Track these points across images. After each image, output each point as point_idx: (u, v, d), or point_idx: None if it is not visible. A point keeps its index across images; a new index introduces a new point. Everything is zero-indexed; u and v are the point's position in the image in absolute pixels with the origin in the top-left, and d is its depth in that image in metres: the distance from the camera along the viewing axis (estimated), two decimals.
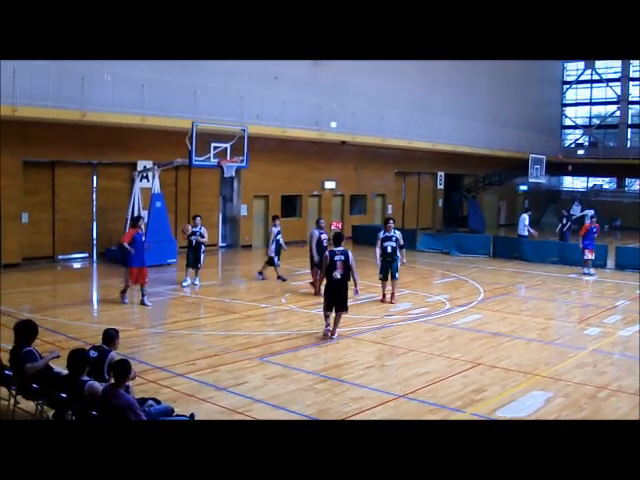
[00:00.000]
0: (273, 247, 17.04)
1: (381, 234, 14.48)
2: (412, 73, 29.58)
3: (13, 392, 7.00)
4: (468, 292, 16.43)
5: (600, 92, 46.20)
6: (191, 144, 17.72)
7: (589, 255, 19.64)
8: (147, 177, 20.20)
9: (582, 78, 46.89)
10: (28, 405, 7.03)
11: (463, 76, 33.16)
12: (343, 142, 27.00)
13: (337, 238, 11.89)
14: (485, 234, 29.04)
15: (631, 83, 44.03)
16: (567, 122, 47.99)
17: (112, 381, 6.26)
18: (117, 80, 18.81)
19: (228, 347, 10.66)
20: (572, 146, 46.51)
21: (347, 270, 11.42)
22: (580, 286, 18.37)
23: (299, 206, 27.38)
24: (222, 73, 21.59)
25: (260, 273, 17.43)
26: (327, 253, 11.83)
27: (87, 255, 20.70)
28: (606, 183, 46.01)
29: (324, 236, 15.41)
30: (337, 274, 11.34)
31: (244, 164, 19.52)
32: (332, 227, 21.05)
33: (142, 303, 13.68)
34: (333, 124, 26.32)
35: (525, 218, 23.95)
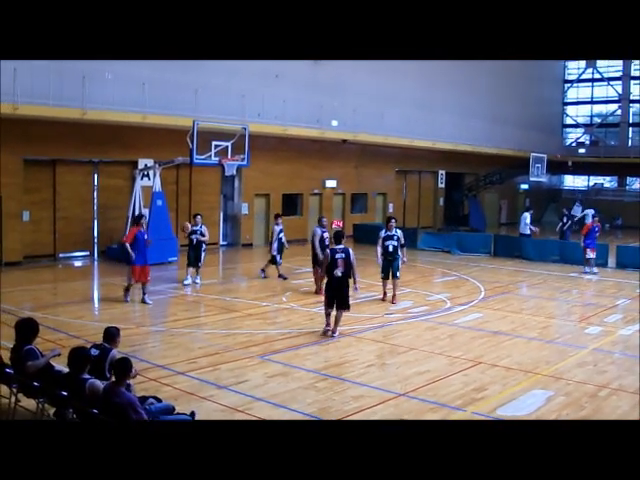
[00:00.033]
0: (275, 245, 17.06)
1: (382, 233, 14.47)
2: (413, 71, 29.55)
3: (14, 390, 7.01)
4: (469, 291, 16.43)
5: (601, 91, 46.18)
6: (192, 142, 17.71)
7: (591, 254, 19.62)
8: (148, 175, 20.21)
9: (583, 77, 46.88)
10: (29, 403, 7.04)
11: (464, 75, 33.13)
12: (344, 140, 27.00)
13: (338, 236, 11.95)
14: (486, 233, 29.06)
15: (632, 82, 44.00)
16: (568, 121, 47.97)
17: (113, 379, 6.27)
18: (118, 78, 18.80)
19: (229, 345, 10.67)
20: (573, 145, 46.48)
21: (348, 268, 11.45)
22: (581, 285, 18.37)
23: (300, 204, 27.37)
24: (223, 71, 21.58)
25: (263, 271, 17.47)
26: (328, 251, 11.88)
27: (88, 253, 20.72)
28: (607, 182, 45.98)
29: (326, 234, 15.42)
30: (338, 272, 11.38)
31: (245, 162, 19.51)
32: (333, 226, 21.09)
33: (143, 301, 13.69)
34: (334, 122, 26.31)
35: (527, 217, 23.95)
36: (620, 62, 44.09)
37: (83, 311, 13.21)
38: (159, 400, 6.96)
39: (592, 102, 46.70)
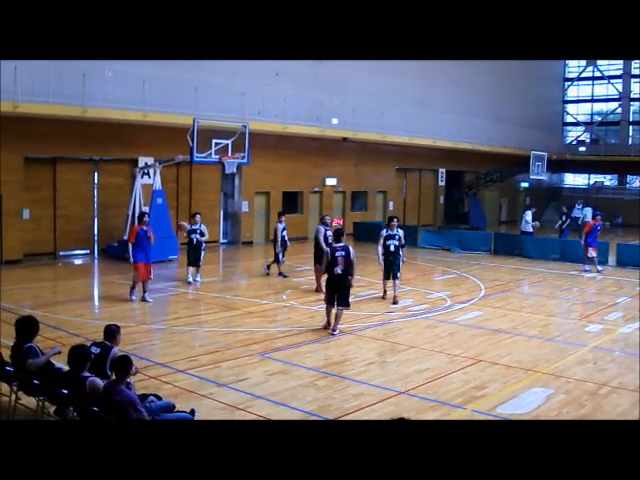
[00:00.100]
0: (279, 243, 17.12)
1: (384, 232, 14.41)
2: (413, 70, 29.54)
3: (14, 388, 7.02)
4: (469, 289, 16.45)
5: (602, 89, 46.17)
6: (192, 140, 17.71)
7: (593, 253, 19.56)
8: (148, 173, 20.22)
9: (584, 75, 46.85)
10: (29, 401, 7.06)
11: (464, 73, 33.12)
12: (344, 139, 27.01)
13: (338, 234, 12.01)
14: (486, 231, 29.06)
15: (633, 80, 43.99)
16: (568, 119, 47.95)
17: (113, 377, 6.28)
18: (118, 76, 18.80)
19: (229, 343, 10.69)
20: (573, 143, 46.46)
21: (348, 266, 11.47)
22: (581, 283, 18.38)
23: (300, 202, 27.38)
24: (223, 70, 21.57)
25: (268, 267, 17.55)
26: (328, 249, 11.91)
27: (88, 251, 20.74)
28: (607, 180, 45.96)
29: (329, 232, 15.44)
30: (338, 269, 11.41)
31: (245, 160, 19.51)
32: (333, 224, 21.06)
33: (143, 299, 13.70)
34: (334, 120, 26.31)
35: (528, 214, 23.98)
36: (620, 60, 44.04)
37: (83, 309, 13.23)
38: (159, 398, 6.98)
39: (592, 100, 46.67)
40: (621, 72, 44.48)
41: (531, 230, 23.61)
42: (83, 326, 11.47)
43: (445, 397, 8.35)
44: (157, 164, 19.75)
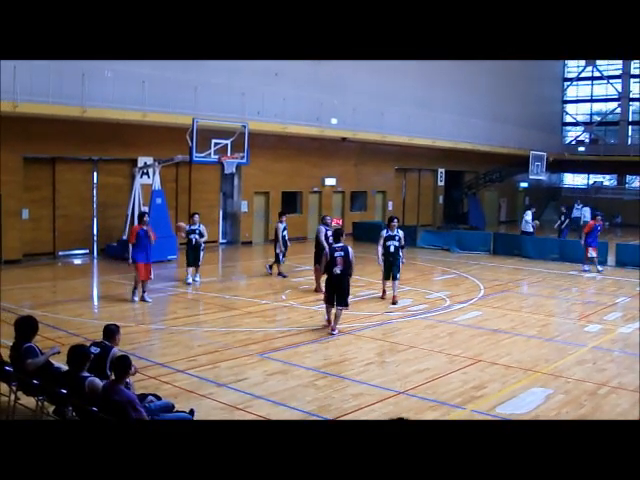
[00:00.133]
0: (280, 243, 17.11)
1: (384, 233, 14.39)
2: (412, 70, 29.54)
3: (14, 388, 7.02)
4: (468, 289, 16.45)
5: (601, 89, 46.18)
6: (192, 140, 17.71)
7: (593, 253, 19.55)
8: (148, 173, 20.20)
9: (583, 75, 46.86)
10: (29, 401, 7.05)
11: (463, 73, 33.13)
12: (344, 139, 27.00)
13: (337, 234, 12.02)
14: (485, 231, 29.06)
15: (632, 80, 44.00)
16: (568, 119, 47.97)
17: (113, 377, 6.28)
18: (118, 76, 18.80)
19: (228, 343, 10.69)
20: (573, 143, 46.48)
21: (347, 266, 11.48)
22: (580, 283, 18.38)
23: (300, 202, 27.38)
24: (223, 69, 21.57)
25: (270, 267, 17.56)
26: (327, 249, 11.92)
27: (87, 251, 20.73)
28: (607, 180, 45.99)
29: (330, 233, 15.44)
30: (337, 269, 11.44)
31: (245, 160, 19.50)
32: (332, 224, 21.04)
33: (142, 299, 13.70)
34: (334, 121, 26.30)
35: (528, 214, 23.98)
36: (620, 60, 44.06)
37: (82, 309, 13.23)
38: (158, 398, 6.97)
39: (592, 100, 46.69)
40: (620, 72, 44.50)
41: (531, 230, 23.64)
42: (82, 326, 11.47)
43: (444, 397, 8.35)
44: (156, 164, 19.74)
